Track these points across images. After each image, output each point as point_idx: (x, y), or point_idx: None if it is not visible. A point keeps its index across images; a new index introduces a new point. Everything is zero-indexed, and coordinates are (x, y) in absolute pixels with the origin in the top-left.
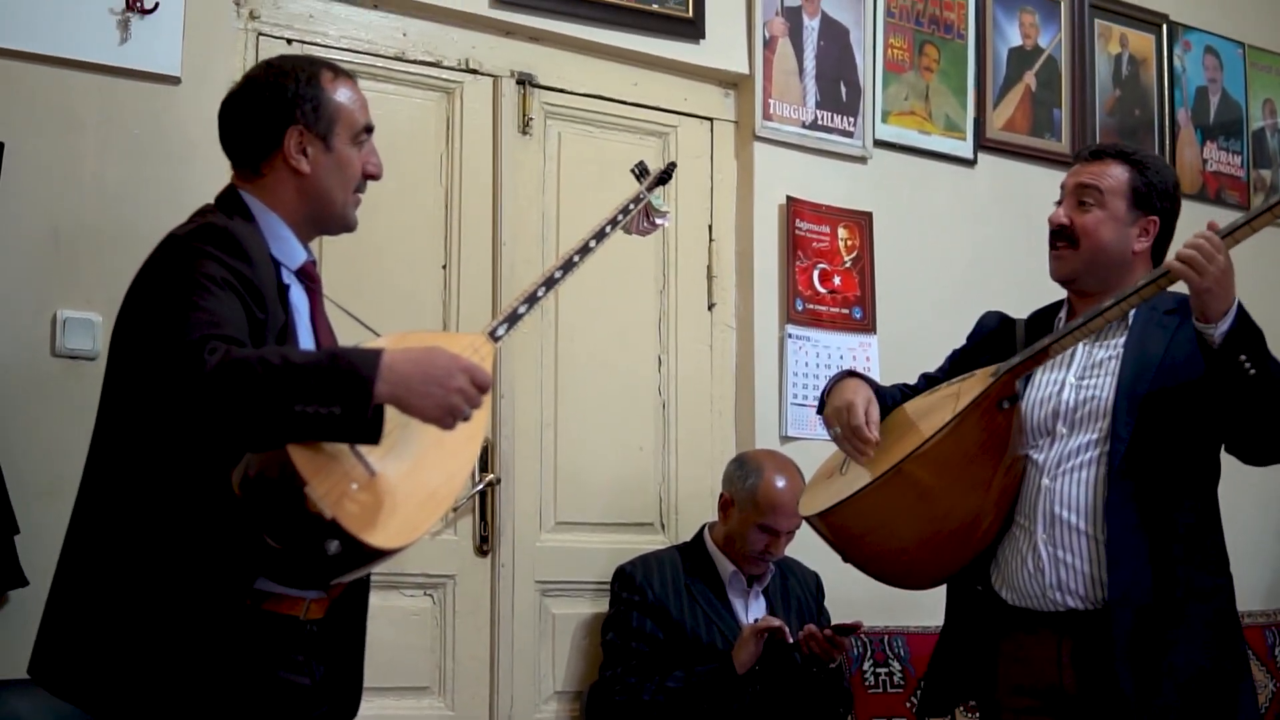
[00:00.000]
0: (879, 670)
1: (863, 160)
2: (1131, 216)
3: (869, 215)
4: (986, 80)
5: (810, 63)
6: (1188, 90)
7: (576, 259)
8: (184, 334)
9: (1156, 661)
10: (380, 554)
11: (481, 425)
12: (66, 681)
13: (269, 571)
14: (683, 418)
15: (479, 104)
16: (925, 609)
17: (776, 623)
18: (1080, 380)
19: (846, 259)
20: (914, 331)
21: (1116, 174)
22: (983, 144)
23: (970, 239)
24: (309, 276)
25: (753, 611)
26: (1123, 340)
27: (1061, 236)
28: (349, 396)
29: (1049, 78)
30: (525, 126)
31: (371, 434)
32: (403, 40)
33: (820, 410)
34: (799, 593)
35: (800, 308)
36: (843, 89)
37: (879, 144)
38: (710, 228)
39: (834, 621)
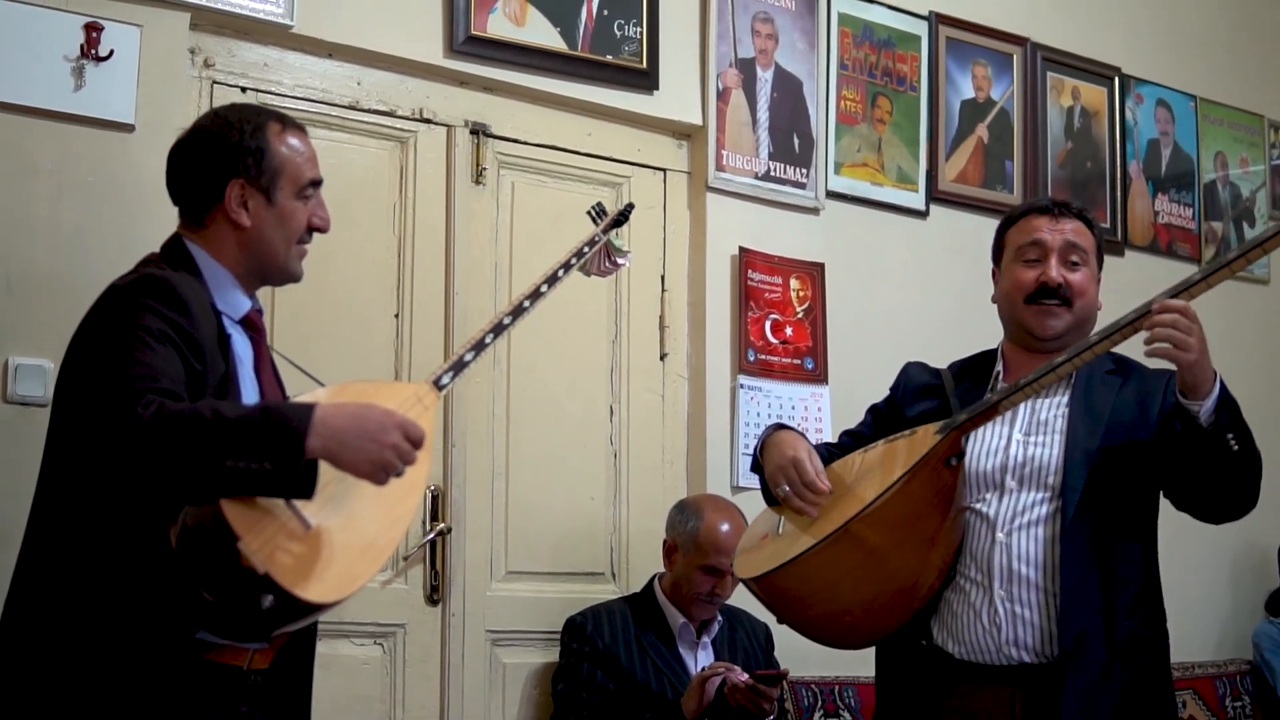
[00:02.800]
0: None
1: (815, 211)
2: (1097, 274)
3: (821, 266)
4: (939, 132)
5: (764, 114)
6: (1140, 143)
7: (527, 304)
8: (120, 388)
9: (1097, 714)
10: (316, 608)
11: (424, 475)
12: None
13: (208, 624)
14: (634, 467)
15: (433, 153)
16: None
17: (722, 668)
18: (1027, 437)
19: (798, 309)
20: (866, 382)
21: (1086, 234)
22: (935, 195)
23: (922, 290)
24: (253, 326)
25: (701, 662)
26: (1066, 399)
27: (1055, 295)
28: (280, 452)
29: (1001, 130)
30: (479, 176)
31: (304, 489)
32: (357, 89)
33: (754, 468)
34: (746, 644)
35: (752, 358)
36: (796, 140)
37: (831, 195)
38: (663, 278)
39: (790, 673)
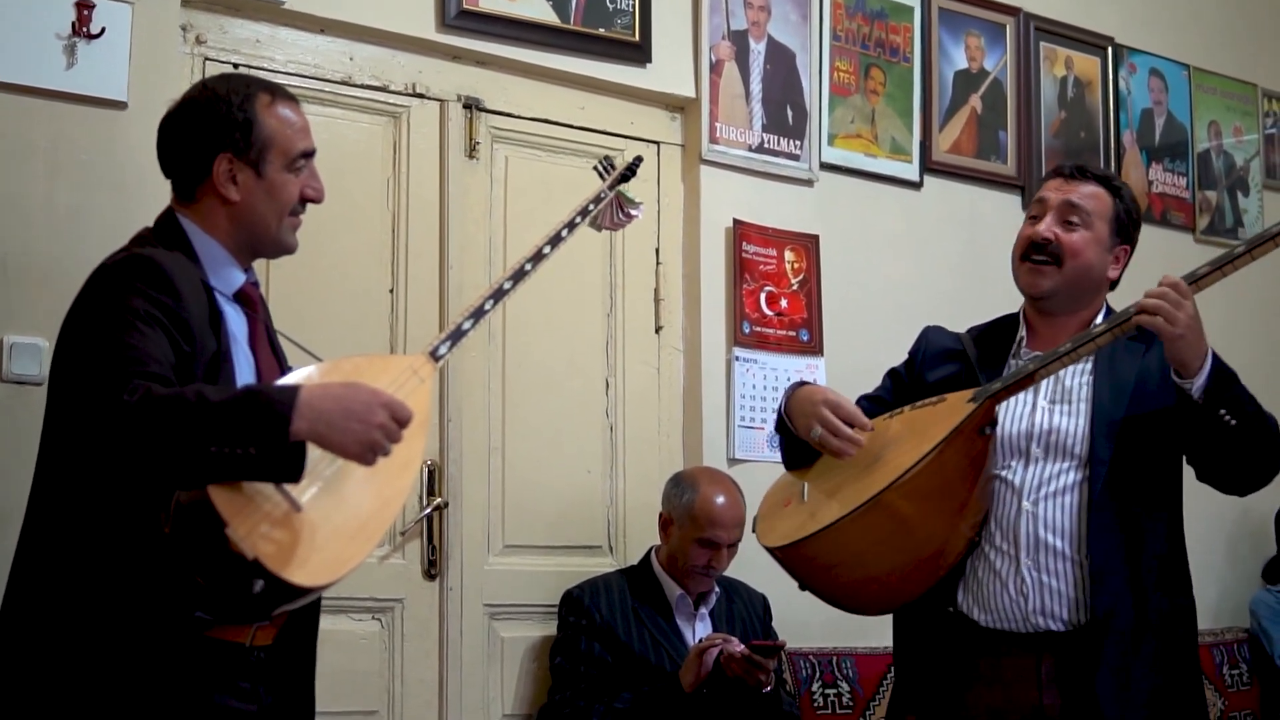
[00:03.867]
0: (828, 691)
1: (809, 183)
2: (1111, 243)
3: (815, 238)
4: (932, 103)
5: (756, 86)
6: (1133, 112)
7: (528, 267)
8: (107, 373)
9: (1131, 684)
10: (307, 591)
11: (418, 452)
12: (5, 706)
13: (204, 606)
14: (630, 441)
15: (426, 128)
16: (874, 630)
17: (719, 639)
18: (1053, 405)
19: (793, 281)
20: (861, 353)
21: (1101, 197)
22: (928, 166)
23: (916, 261)
24: (248, 300)
25: (699, 634)
26: (1089, 366)
27: (1044, 251)
28: (264, 436)
29: (994, 100)
30: (472, 150)
31: (290, 473)
32: (349, 64)
33: (779, 428)
34: (744, 614)
35: (747, 330)
36: (789, 112)
37: (825, 167)
38: (657, 251)
39: (787, 644)
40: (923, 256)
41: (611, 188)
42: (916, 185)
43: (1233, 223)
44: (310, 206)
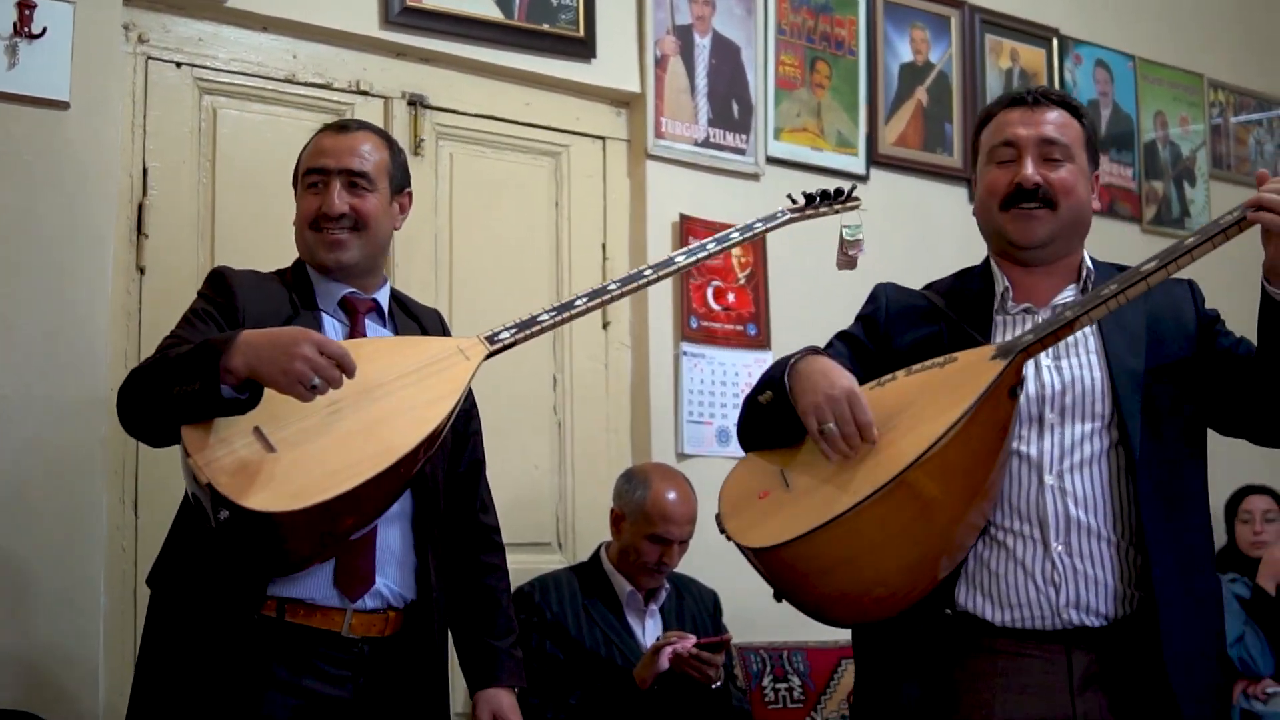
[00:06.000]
0: (779, 686)
1: (755, 177)
2: (1090, 171)
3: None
4: (878, 96)
5: (702, 81)
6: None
7: (649, 272)
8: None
9: (1204, 680)
10: (265, 519)
11: (436, 415)
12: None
13: (249, 566)
14: (579, 437)
15: None
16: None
17: (674, 637)
18: (1056, 361)
19: (740, 276)
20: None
21: (1071, 123)
22: (875, 159)
23: (864, 254)
24: (350, 308)
25: (650, 630)
26: None
27: (1036, 197)
28: (205, 372)
29: (940, 93)
30: (417, 147)
31: (235, 406)
32: (293, 62)
33: (754, 401)
34: (694, 610)
35: (695, 325)
36: (735, 106)
37: (771, 161)
38: (604, 246)
39: (732, 638)
40: (869, 249)
41: (817, 212)
42: (863, 178)
43: (1179, 213)
44: (252, 203)
